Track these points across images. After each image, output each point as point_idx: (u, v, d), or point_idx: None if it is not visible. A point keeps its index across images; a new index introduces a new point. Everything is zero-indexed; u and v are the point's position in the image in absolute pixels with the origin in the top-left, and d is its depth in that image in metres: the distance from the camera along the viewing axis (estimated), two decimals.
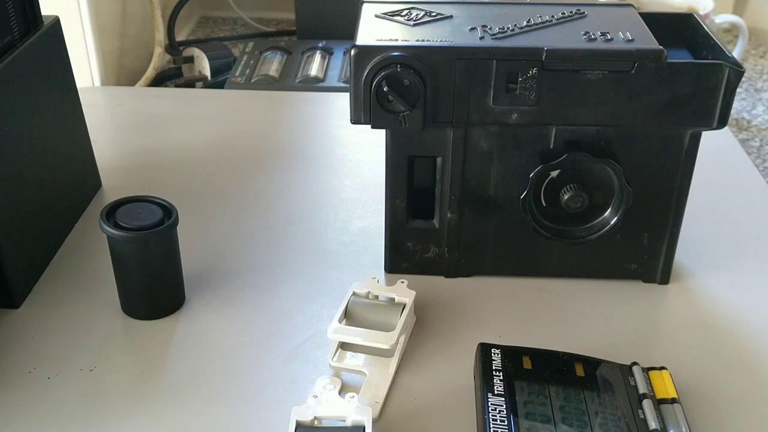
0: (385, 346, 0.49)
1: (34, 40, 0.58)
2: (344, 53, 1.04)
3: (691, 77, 0.50)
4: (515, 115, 0.51)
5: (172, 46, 1.17)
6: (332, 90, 0.94)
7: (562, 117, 0.51)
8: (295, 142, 0.78)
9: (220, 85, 1.00)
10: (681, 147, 0.53)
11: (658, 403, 0.45)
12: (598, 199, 0.54)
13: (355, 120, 0.52)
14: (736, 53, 1.20)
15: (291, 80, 0.98)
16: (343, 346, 0.52)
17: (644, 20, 0.54)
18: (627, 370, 0.48)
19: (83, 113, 0.66)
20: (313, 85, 0.97)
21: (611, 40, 0.51)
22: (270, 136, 0.78)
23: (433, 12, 0.55)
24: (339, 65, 1.02)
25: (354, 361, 0.51)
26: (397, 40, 0.51)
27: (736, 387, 0.50)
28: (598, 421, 0.44)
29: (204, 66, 1.08)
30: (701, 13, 1.13)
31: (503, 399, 0.44)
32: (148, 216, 0.52)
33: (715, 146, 0.72)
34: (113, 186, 0.69)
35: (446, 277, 0.59)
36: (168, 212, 0.53)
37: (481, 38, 0.51)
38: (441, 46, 0.50)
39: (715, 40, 0.53)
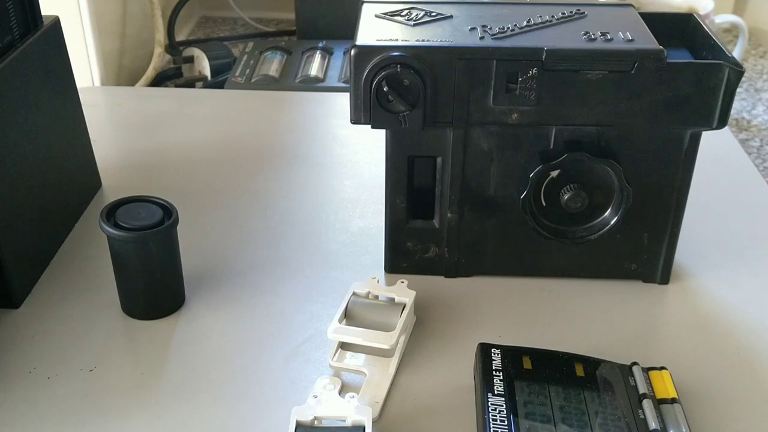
0: (385, 346, 0.49)
1: (34, 40, 0.58)
2: (344, 53, 1.04)
3: (691, 77, 0.50)
4: (515, 115, 0.51)
5: (172, 46, 1.17)
6: (332, 90, 0.94)
7: (562, 117, 0.51)
8: (295, 142, 0.78)
9: (220, 85, 1.00)
10: (681, 147, 0.53)
11: (658, 403, 0.45)
12: (598, 199, 0.54)
13: (355, 120, 0.52)
14: (736, 53, 1.20)
15: (291, 80, 0.98)
16: (343, 346, 0.52)
17: (644, 20, 0.54)
18: (627, 370, 0.48)
19: (83, 113, 0.66)
20: (313, 85, 0.97)
21: (611, 40, 0.51)
22: (270, 136, 0.78)
23: (433, 12, 0.55)
24: (339, 65, 1.02)
25: (354, 361, 0.51)
26: (397, 40, 0.51)
27: (736, 387, 0.50)
28: (598, 421, 0.44)
29: (204, 66, 1.08)
30: (701, 13, 1.13)
31: (503, 399, 0.44)
32: (148, 216, 0.52)
33: (715, 146, 0.72)
34: (113, 186, 0.69)
35: (446, 277, 0.59)
36: (168, 212, 0.53)
37: (481, 38, 0.51)
38: (441, 46, 0.50)
39: (715, 40, 0.53)
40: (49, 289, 0.57)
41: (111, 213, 0.52)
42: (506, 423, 0.43)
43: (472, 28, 0.52)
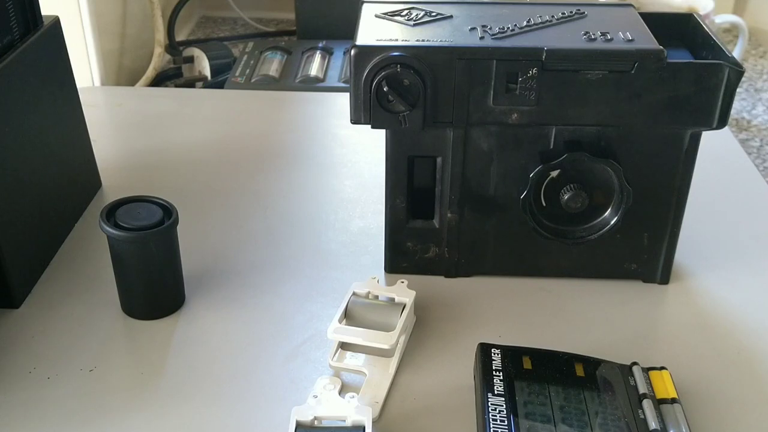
0: (385, 346, 0.49)
1: (34, 40, 0.58)
2: (344, 53, 1.04)
3: (691, 77, 0.50)
4: (515, 115, 0.51)
5: (172, 46, 1.17)
6: (332, 90, 0.94)
7: (562, 117, 0.51)
8: (295, 142, 0.78)
9: (220, 85, 1.00)
10: (681, 147, 0.53)
11: (658, 403, 0.45)
12: (598, 199, 0.54)
13: (355, 120, 0.52)
14: (736, 53, 1.20)
15: (291, 80, 0.98)
16: (343, 346, 0.52)
17: (644, 20, 0.54)
18: (627, 370, 0.48)
19: (83, 113, 0.66)
20: (313, 85, 0.97)
21: (611, 40, 0.51)
22: (270, 136, 0.78)
23: (433, 12, 0.55)
24: (339, 65, 1.02)
25: (354, 361, 0.51)
26: (397, 40, 0.51)
27: (736, 387, 0.50)
28: (598, 421, 0.44)
29: (204, 66, 1.08)
30: (701, 13, 1.13)
31: (503, 399, 0.44)
32: (148, 216, 0.52)
33: (715, 146, 0.72)
34: (113, 186, 0.69)
35: (446, 277, 0.59)
36: (168, 212, 0.53)
37: (481, 38, 0.51)
38: (441, 46, 0.50)
39: (715, 40, 0.53)
40: (49, 289, 0.57)
41: (111, 213, 0.52)
42: (506, 423, 0.43)
43: (472, 28, 0.52)
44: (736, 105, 1.20)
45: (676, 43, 0.56)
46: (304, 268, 0.60)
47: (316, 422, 0.44)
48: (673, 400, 0.45)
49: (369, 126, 0.52)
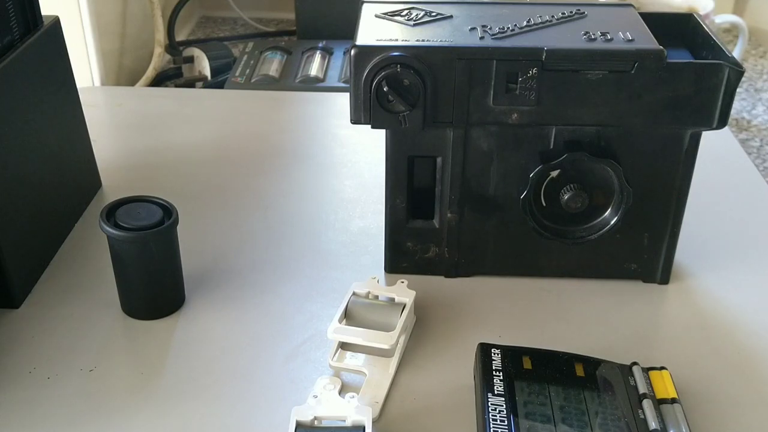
0: (385, 346, 0.49)
1: (34, 40, 0.58)
2: (344, 53, 1.04)
3: (691, 77, 0.50)
4: (515, 115, 0.51)
5: (172, 46, 1.18)
6: (332, 90, 0.94)
7: (562, 117, 0.51)
8: (295, 142, 0.78)
9: (220, 85, 1.00)
10: (681, 147, 0.53)
11: (658, 403, 0.45)
12: (598, 199, 0.54)
13: (355, 120, 0.52)
14: (736, 53, 1.20)
15: (291, 80, 0.98)
16: (343, 346, 0.52)
17: (644, 20, 0.54)
18: (627, 370, 0.48)
19: (83, 113, 0.66)
20: (313, 85, 0.97)
21: (611, 40, 0.51)
22: (270, 136, 0.78)
23: (433, 12, 0.55)
24: (339, 65, 1.02)
25: (354, 361, 0.51)
26: (397, 40, 0.51)
27: (736, 387, 0.50)
28: (598, 421, 0.44)
29: (204, 66, 1.08)
30: (701, 13, 1.13)
31: (503, 399, 0.44)
32: (148, 216, 0.52)
33: (715, 146, 0.72)
34: (113, 186, 0.69)
35: (446, 277, 0.59)
36: (168, 212, 0.53)
37: (481, 38, 0.51)
38: (441, 46, 0.50)
39: (715, 40, 0.53)
40: (49, 289, 0.57)
41: (111, 213, 0.52)
42: (506, 423, 0.43)
43: (472, 28, 0.52)
44: (736, 105, 1.20)
45: (676, 43, 0.56)
46: (304, 268, 0.60)
47: (316, 422, 0.44)
48: (673, 400, 0.45)
49: (369, 126, 0.52)
